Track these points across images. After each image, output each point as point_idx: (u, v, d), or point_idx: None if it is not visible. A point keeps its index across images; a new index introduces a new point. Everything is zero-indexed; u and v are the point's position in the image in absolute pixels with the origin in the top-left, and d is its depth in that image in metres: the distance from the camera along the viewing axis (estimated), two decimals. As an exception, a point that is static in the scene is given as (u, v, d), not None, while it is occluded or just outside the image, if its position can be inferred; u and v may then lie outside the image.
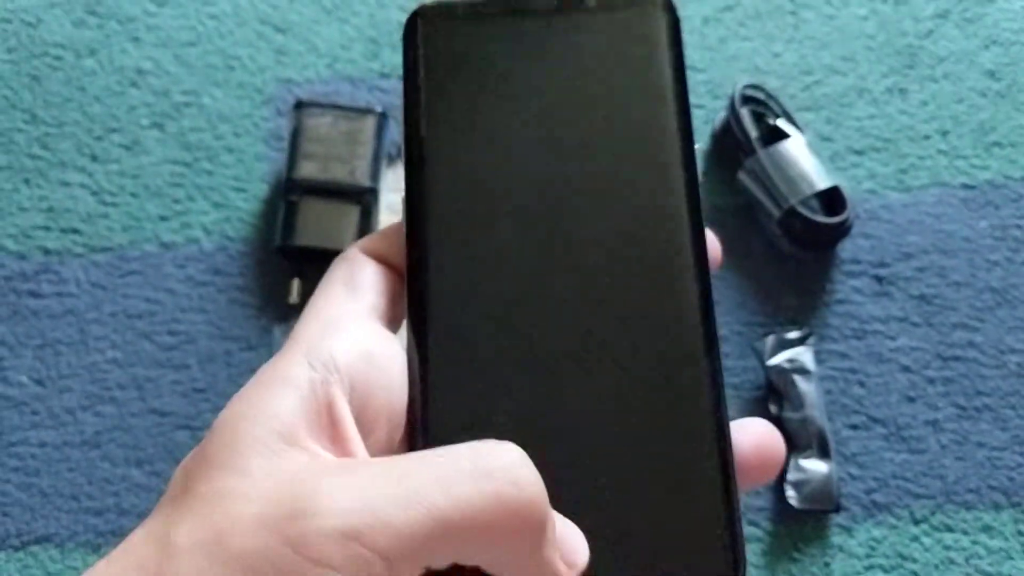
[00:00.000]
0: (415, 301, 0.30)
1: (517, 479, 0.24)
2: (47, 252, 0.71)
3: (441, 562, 0.24)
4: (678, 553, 0.28)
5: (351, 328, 0.29)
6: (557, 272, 0.30)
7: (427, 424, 0.29)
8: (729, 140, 0.71)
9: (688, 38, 0.77)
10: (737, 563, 0.28)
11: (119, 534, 0.64)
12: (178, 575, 0.24)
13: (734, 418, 0.29)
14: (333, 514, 0.24)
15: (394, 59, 0.76)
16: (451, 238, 0.31)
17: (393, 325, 0.31)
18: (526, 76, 0.32)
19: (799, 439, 0.64)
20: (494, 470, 0.24)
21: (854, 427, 0.66)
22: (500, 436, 0.26)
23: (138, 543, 0.25)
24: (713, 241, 0.32)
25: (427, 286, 0.30)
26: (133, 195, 0.73)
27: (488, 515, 0.24)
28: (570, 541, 0.27)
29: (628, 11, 0.33)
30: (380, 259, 0.32)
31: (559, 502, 0.26)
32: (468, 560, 0.25)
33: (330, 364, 0.28)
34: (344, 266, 0.32)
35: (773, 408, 0.65)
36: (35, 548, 0.64)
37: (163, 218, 0.72)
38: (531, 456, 0.25)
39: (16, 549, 0.64)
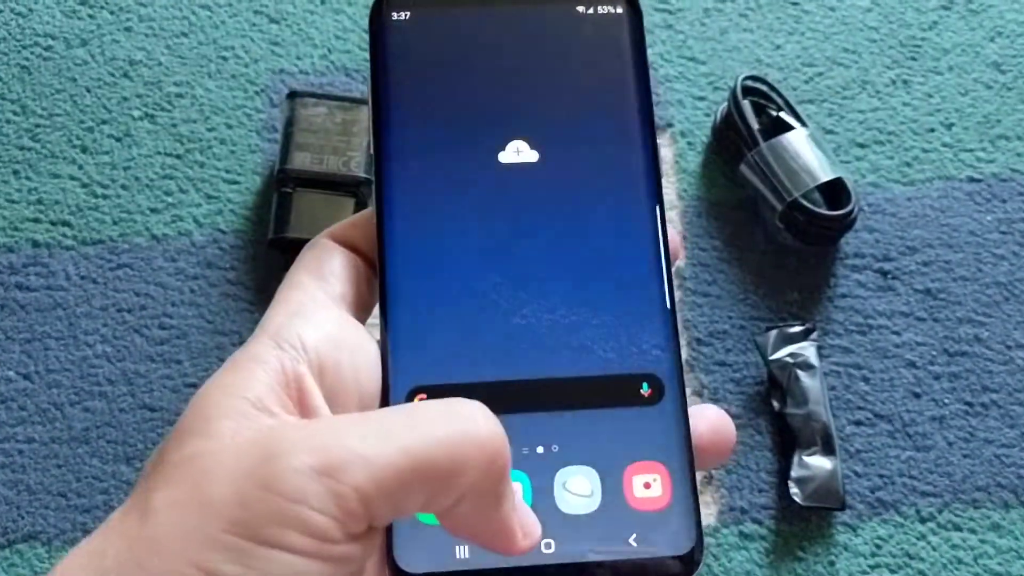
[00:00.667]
0: (385, 288, 0.31)
1: (481, 419, 0.26)
2: (36, 244, 0.70)
3: (412, 507, 0.25)
4: (640, 531, 0.30)
5: (318, 315, 0.29)
6: (521, 257, 0.32)
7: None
8: (731, 133, 0.70)
9: (688, 29, 0.76)
10: (696, 541, 0.30)
11: (108, 532, 0.63)
12: (157, 535, 0.24)
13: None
14: (306, 451, 0.24)
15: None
16: (418, 227, 0.32)
17: (361, 313, 0.31)
18: (490, 67, 0.33)
19: (803, 435, 0.63)
20: (460, 412, 0.26)
21: (858, 423, 0.65)
22: None
23: (118, 516, 0.25)
24: (674, 237, 0.33)
25: (396, 274, 0.31)
26: (124, 187, 0.71)
27: (456, 450, 0.25)
28: (528, 514, 0.28)
29: (595, 2, 0.34)
30: (350, 247, 0.32)
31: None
32: (435, 507, 0.25)
33: (297, 346, 0.28)
34: (312, 254, 0.32)
35: (776, 404, 0.64)
36: (22, 546, 0.63)
37: (154, 210, 0.71)
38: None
39: (2, 547, 0.63)
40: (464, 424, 0.25)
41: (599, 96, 0.33)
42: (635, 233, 0.32)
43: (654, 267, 0.32)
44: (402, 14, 0.34)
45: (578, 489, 0.30)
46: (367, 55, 0.73)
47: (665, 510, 0.30)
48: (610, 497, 0.30)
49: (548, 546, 0.30)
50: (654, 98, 0.71)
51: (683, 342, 0.67)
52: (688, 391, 0.63)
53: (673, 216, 0.70)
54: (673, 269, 0.32)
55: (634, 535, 0.30)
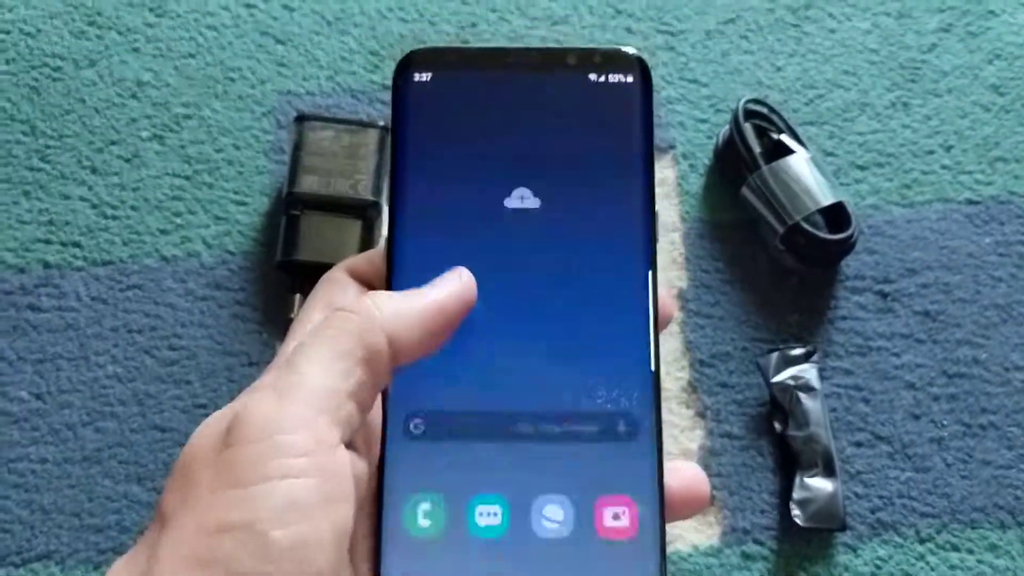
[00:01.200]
0: None
1: None
2: (47, 266, 0.70)
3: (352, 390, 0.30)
4: (608, 562, 0.32)
5: None
6: (519, 298, 0.34)
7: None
8: (732, 155, 0.71)
9: (690, 52, 0.77)
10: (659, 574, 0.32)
11: (120, 551, 0.64)
12: (168, 531, 0.27)
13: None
14: (261, 390, 0.29)
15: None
16: (425, 264, 0.34)
17: None
18: (504, 124, 0.36)
19: (804, 457, 0.64)
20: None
21: (859, 444, 0.66)
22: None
23: (148, 529, 0.29)
24: (666, 298, 0.35)
25: None
26: (133, 208, 0.72)
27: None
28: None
29: (606, 72, 0.36)
30: (364, 282, 0.34)
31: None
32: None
33: None
34: (327, 288, 0.34)
35: (777, 426, 0.65)
36: (36, 565, 0.64)
37: (163, 232, 0.71)
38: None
39: (17, 566, 0.63)
40: (341, 313, 0.31)
41: (604, 157, 0.35)
42: (626, 289, 0.34)
43: (642, 324, 0.34)
44: (424, 75, 0.36)
45: (552, 515, 0.32)
46: (372, 77, 0.73)
47: (632, 541, 0.32)
48: (581, 526, 0.32)
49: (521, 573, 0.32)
50: (656, 120, 0.72)
51: (686, 363, 0.68)
52: (690, 412, 0.64)
53: (676, 238, 0.71)
54: (661, 330, 0.34)
55: (602, 565, 0.32)
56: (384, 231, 0.71)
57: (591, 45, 0.37)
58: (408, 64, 0.36)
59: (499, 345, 0.34)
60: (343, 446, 0.29)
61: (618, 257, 0.34)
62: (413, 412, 0.33)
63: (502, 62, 0.36)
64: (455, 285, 0.32)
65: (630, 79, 0.36)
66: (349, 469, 0.29)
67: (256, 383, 0.30)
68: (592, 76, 0.36)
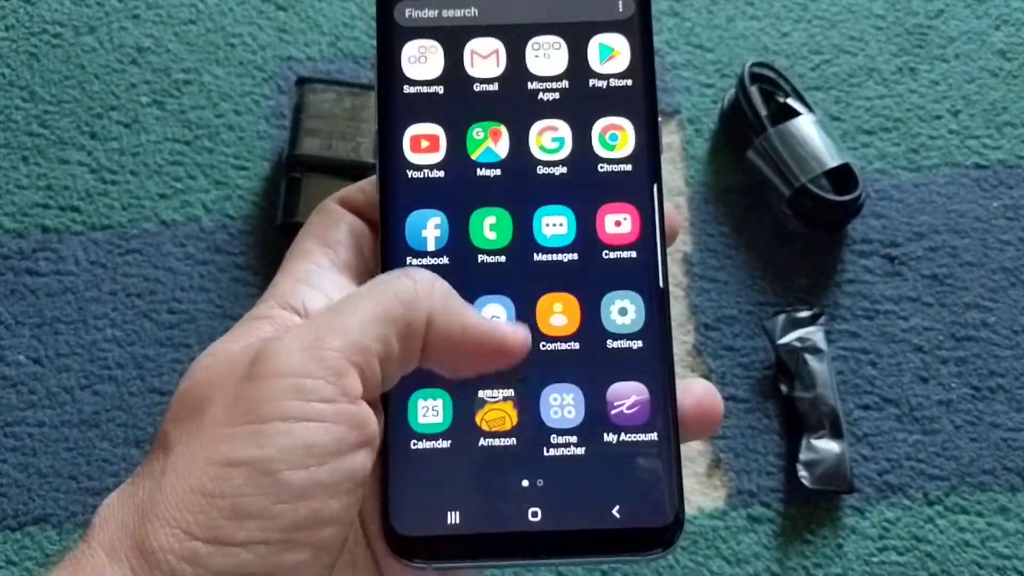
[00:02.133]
0: (386, 254, 0.32)
1: (412, 271, 0.29)
2: (46, 230, 0.70)
3: (392, 355, 0.28)
4: (625, 502, 0.31)
5: (323, 283, 0.31)
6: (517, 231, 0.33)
7: None
8: (738, 119, 0.70)
9: (696, 17, 0.76)
10: (676, 513, 0.31)
11: (118, 515, 0.63)
12: (175, 460, 0.27)
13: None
14: (289, 338, 0.28)
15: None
16: (419, 196, 0.33)
17: (365, 278, 0.32)
18: (495, 36, 0.34)
19: (811, 419, 0.63)
20: (401, 274, 0.30)
21: (866, 407, 0.65)
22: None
23: (144, 461, 0.28)
24: (673, 217, 0.34)
25: (396, 240, 0.32)
26: (133, 173, 0.71)
27: (402, 293, 0.29)
28: (512, 325, 0.31)
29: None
30: (356, 212, 0.33)
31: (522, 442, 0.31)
32: (413, 346, 0.29)
33: (301, 310, 0.30)
34: (319, 220, 0.33)
35: (784, 388, 0.64)
36: (32, 529, 0.63)
37: (163, 196, 0.71)
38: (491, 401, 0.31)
39: (13, 530, 0.63)
40: (402, 278, 0.29)
41: (604, 75, 0.34)
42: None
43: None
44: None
45: (563, 403, 0.32)
46: (374, 42, 0.73)
47: (649, 474, 0.31)
48: (597, 445, 0.32)
49: (535, 514, 0.31)
50: (661, 84, 0.71)
51: (691, 327, 0.67)
52: (695, 376, 0.63)
53: (681, 202, 0.70)
54: (669, 244, 0.34)
55: (617, 506, 0.31)
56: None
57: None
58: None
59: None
60: (360, 396, 0.28)
61: (623, 176, 0.33)
62: None
63: None
64: (510, 333, 0.30)
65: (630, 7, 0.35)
66: (372, 420, 0.28)
67: (266, 313, 0.30)
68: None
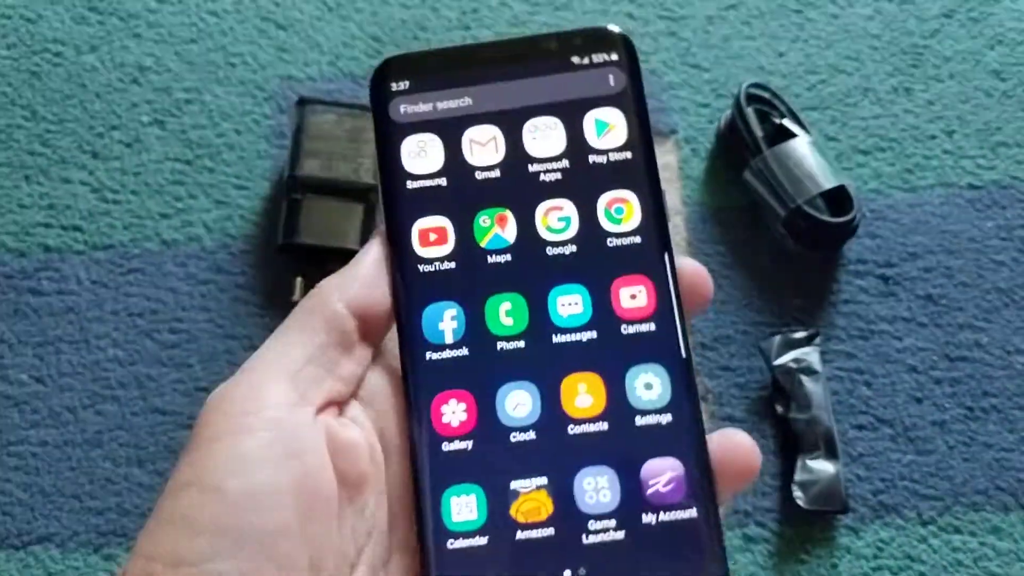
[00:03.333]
0: (405, 351, 0.33)
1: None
2: (48, 249, 0.70)
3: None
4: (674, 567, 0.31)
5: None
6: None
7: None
8: (734, 139, 0.71)
9: (692, 37, 0.77)
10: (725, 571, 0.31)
11: (120, 534, 0.64)
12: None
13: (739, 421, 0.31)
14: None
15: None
16: (433, 289, 0.33)
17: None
18: (492, 123, 0.34)
19: (806, 440, 0.64)
20: None
21: (860, 427, 0.66)
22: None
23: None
24: (702, 275, 0.34)
25: (414, 335, 0.33)
26: (134, 192, 0.72)
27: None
28: None
29: (589, 52, 0.35)
30: (361, 313, 0.33)
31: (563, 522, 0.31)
32: None
33: None
34: (315, 324, 0.32)
35: (779, 408, 0.65)
36: (36, 548, 0.63)
37: (164, 216, 0.71)
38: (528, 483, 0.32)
39: (17, 548, 0.63)
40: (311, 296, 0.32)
41: (601, 147, 0.35)
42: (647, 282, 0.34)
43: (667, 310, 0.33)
44: (404, 75, 0.35)
45: (598, 486, 0.32)
46: (373, 62, 0.73)
47: (692, 549, 0.31)
48: (637, 526, 0.31)
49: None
50: (658, 104, 0.72)
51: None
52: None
53: (678, 222, 0.71)
54: (696, 312, 0.34)
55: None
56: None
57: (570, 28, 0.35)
58: (387, 70, 0.35)
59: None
60: (308, 406, 0.30)
61: (633, 248, 0.34)
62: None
63: (483, 55, 0.35)
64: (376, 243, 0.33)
65: (615, 57, 0.35)
66: (313, 426, 0.30)
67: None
68: (575, 59, 0.35)
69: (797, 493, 0.63)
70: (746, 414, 0.66)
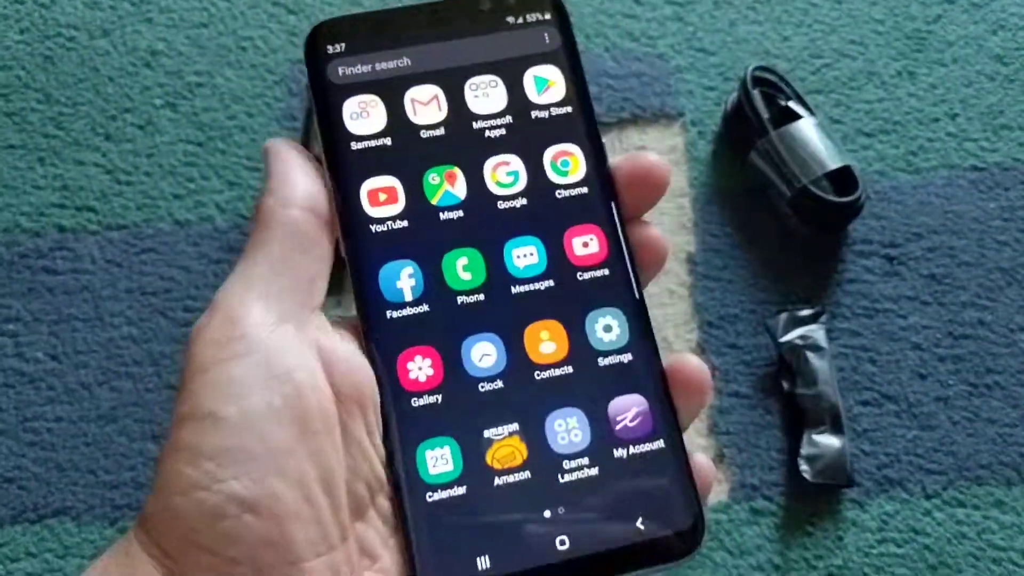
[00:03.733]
0: (364, 311, 0.33)
1: None
2: (62, 229, 0.71)
3: None
4: (647, 513, 0.32)
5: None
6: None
7: None
8: (740, 122, 0.72)
9: (698, 21, 0.77)
10: (698, 512, 0.32)
11: (135, 507, 0.64)
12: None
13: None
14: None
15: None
16: (387, 248, 0.34)
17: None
18: (432, 82, 0.35)
19: (812, 415, 0.65)
20: None
21: (865, 403, 0.67)
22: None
23: None
24: (657, 242, 0.35)
25: (373, 295, 0.34)
26: (147, 174, 0.73)
27: None
28: None
29: (523, 12, 0.36)
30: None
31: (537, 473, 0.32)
32: None
33: None
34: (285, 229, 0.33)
35: (786, 385, 0.66)
36: (51, 521, 0.64)
37: (177, 196, 0.72)
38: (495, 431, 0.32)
39: (33, 522, 0.64)
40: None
41: (538, 111, 0.36)
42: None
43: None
44: (337, 39, 0.35)
45: (568, 427, 0.33)
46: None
47: (664, 480, 0.32)
48: (609, 463, 0.32)
49: (563, 542, 0.32)
50: (665, 88, 0.73)
51: (695, 325, 0.69)
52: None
53: (684, 203, 0.72)
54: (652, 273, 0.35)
55: (640, 519, 0.32)
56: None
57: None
58: (320, 37, 0.35)
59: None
60: (288, 323, 0.31)
61: (582, 199, 0.35)
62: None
63: (415, 16, 0.35)
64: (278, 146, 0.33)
65: (548, 16, 0.36)
66: (299, 343, 0.30)
67: None
68: (510, 19, 0.36)
69: (803, 467, 0.63)
70: (752, 390, 0.67)
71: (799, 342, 0.66)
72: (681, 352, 0.35)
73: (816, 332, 0.67)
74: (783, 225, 0.71)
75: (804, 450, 0.64)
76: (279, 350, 0.30)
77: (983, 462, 0.65)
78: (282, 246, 0.31)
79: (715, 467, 0.34)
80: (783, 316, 0.67)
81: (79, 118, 0.74)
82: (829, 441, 0.64)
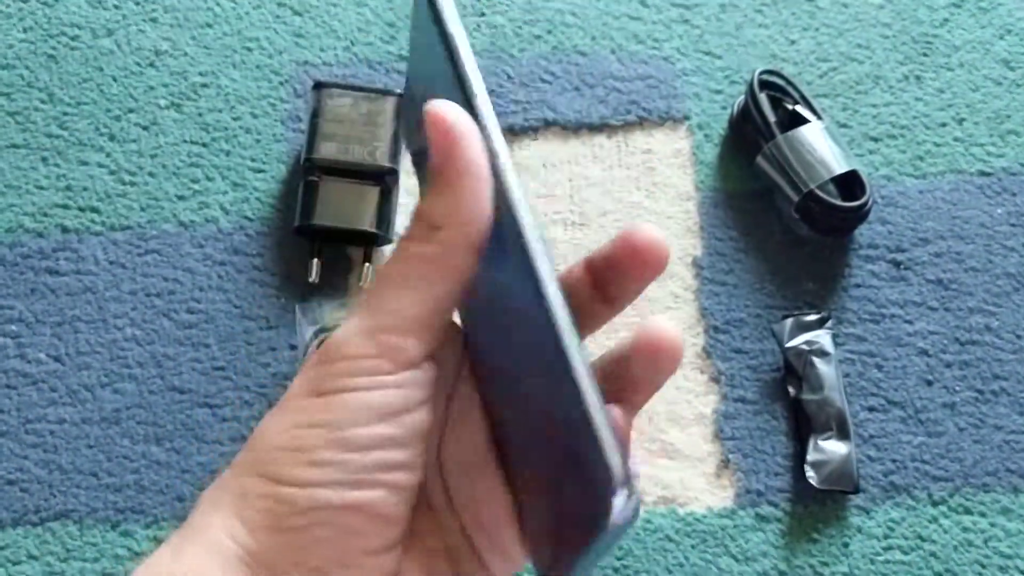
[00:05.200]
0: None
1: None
2: (65, 230, 0.71)
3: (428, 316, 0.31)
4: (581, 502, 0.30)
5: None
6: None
7: None
8: (748, 125, 0.71)
9: (704, 24, 0.77)
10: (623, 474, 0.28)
11: (138, 511, 0.64)
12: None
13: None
14: (345, 328, 0.31)
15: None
16: None
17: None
18: None
19: (818, 420, 0.64)
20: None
21: (872, 409, 0.66)
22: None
23: None
24: (655, 242, 0.32)
25: None
26: (151, 174, 0.73)
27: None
28: None
29: None
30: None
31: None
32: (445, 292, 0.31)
33: None
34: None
35: (792, 390, 0.65)
36: (54, 524, 0.64)
37: (181, 197, 0.72)
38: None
39: (35, 525, 0.64)
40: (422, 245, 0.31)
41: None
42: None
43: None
44: None
45: None
46: (389, 48, 0.73)
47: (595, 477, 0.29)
48: None
49: None
50: (671, 91, 0.72)
51: (700, 329, 0.68)
52: (704, 378, 0.65)
53: (690, 207, 0.72)
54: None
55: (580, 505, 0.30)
56: (401, 199, 0.71)
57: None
58: None
59: None
60: (423, 359, 0.31)
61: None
62: None
63: None
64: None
65: None
66: (426, 380, 0.31)
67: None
68: None
69: (810, 473, 0.63)
70: (758, 396, 0.67)
71: (805, 347, 0.66)
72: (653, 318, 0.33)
73: (822, 337, 0.66)
74: (789, 229, 0.70)
75: (810, 456, 0.64)
76: (412, 386, 0.31)
77: (990, 469, 0.65)
78: (453, 287, 0.31)
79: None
80: (789, 321, 0.67)
81: (83, 118, 0.74)
82: (835, 447, 0.64)
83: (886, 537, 0.64)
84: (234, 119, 0.74)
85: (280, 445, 0.31)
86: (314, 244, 0.69)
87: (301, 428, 0.30)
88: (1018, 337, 0.68)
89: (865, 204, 0.68)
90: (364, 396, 0.30)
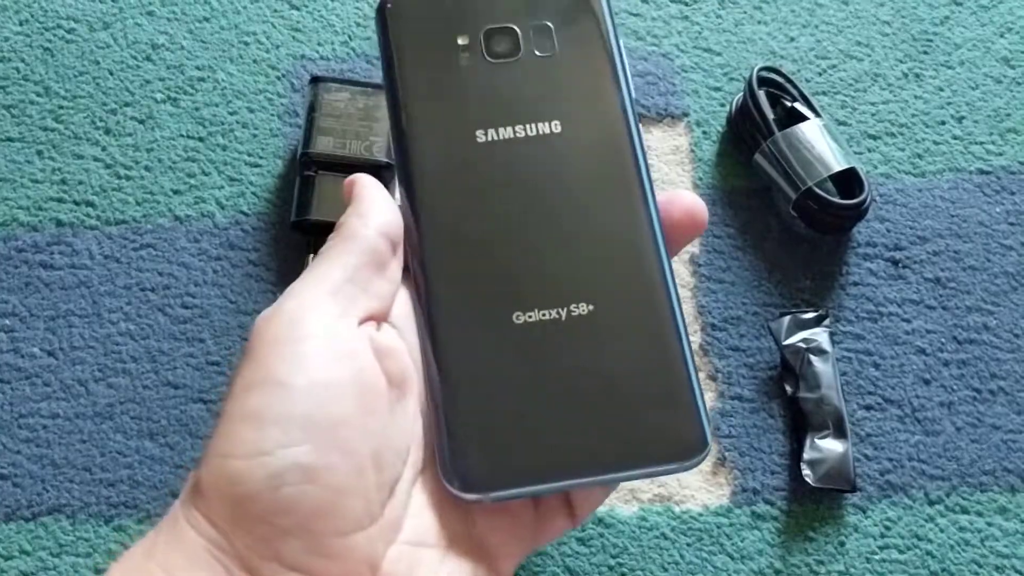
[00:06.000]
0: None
1: None
2: (60, 224, 0.71)
3: None
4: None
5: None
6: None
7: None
8: (746, 122, 0.71)
9: (704, 21, 0.77)
10: (704, 430, 0.34)
11: (132, 506, 0.64)
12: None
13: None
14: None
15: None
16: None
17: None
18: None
19: (815, 419, 0.64)
20: None
21: (869, 408, 0.66)
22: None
23: None
24: (696, 205, 0.38)
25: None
26: (147, 169, 0.72)
27: None
28: None
29: None
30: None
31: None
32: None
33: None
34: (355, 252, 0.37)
35: (789, 388, 0.65)
36: (46, 519, 0.64)
37: (177, 192, 0.72)
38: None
39: (27, 520, 0.64)
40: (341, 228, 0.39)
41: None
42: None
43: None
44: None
45: None
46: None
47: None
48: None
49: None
50: (670, 87, 0.72)
51: (697, 327, 0.68)
52: (702, 375, 0.64)
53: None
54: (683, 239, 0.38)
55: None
56: (398, 194, 0.71)
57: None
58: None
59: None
60: (350, 318, 0.34)
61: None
62: None
63: None
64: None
65: None
66: (358, 333, 0.33)
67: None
68: None
69: (806, 471, 0.63)
70: (755, 394, 0.66)
71: (802, 345, 0.65)
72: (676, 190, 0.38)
73: (819, 335, 0.66)
74: (787, 227, 0.70)
75: (807, 454, 0.63)
76: (342, 335, 0.33)
77: (987, 468, 0.65)
78: (359, 259, 0.35)
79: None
80: (786, 319, 0.66)
81: (78, 111, 0.74)
82: (832, 446, 0.64)
83: (882, 536, 0.63)
84: (231, 113, 0.74)
85: (233, 411, 0.32)
86: (310, 239, 0.69)
87: (244, 392, 0.32)
88: (1016, 336, 0.68)
89: (863, 202, 0.67)
90: (299, 347, 0.32)
